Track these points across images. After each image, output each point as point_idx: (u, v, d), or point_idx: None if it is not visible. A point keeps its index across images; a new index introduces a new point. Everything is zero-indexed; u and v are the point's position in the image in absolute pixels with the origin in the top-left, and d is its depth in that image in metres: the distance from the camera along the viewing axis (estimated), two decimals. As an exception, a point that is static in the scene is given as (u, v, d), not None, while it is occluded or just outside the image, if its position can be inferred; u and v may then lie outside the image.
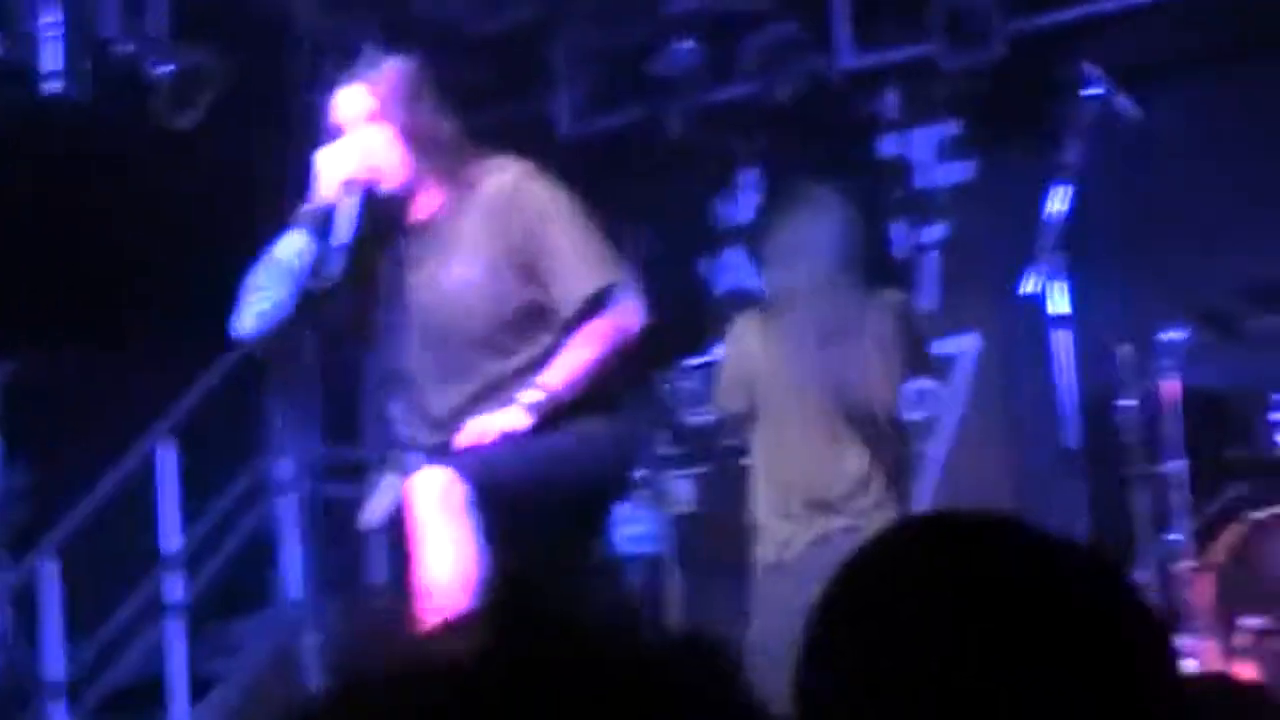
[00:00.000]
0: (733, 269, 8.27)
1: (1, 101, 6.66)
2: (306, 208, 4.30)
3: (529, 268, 4.24)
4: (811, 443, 5.44)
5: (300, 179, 4.35)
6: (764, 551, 5.52)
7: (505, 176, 4.30)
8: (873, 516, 5.34)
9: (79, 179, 7.11)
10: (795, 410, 5.45)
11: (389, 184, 4.29)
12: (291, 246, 4.29)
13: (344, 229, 4.23)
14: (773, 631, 5.13)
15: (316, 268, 4.26)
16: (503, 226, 4.25)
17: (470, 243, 4.27)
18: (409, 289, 4.34)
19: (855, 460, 5.42)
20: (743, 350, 5.59)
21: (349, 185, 4.25)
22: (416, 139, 4.27)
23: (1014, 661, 1.28)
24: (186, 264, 7.38)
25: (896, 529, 1.43)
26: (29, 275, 7.13)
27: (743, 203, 8.36)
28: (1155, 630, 1.34)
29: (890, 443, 5.48)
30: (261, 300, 4.29)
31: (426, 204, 4.33)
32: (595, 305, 4.23)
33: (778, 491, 5.49)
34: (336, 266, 4.23)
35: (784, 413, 5.48)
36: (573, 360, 4.23)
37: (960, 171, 8.04)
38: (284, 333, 4.41)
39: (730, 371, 5.63)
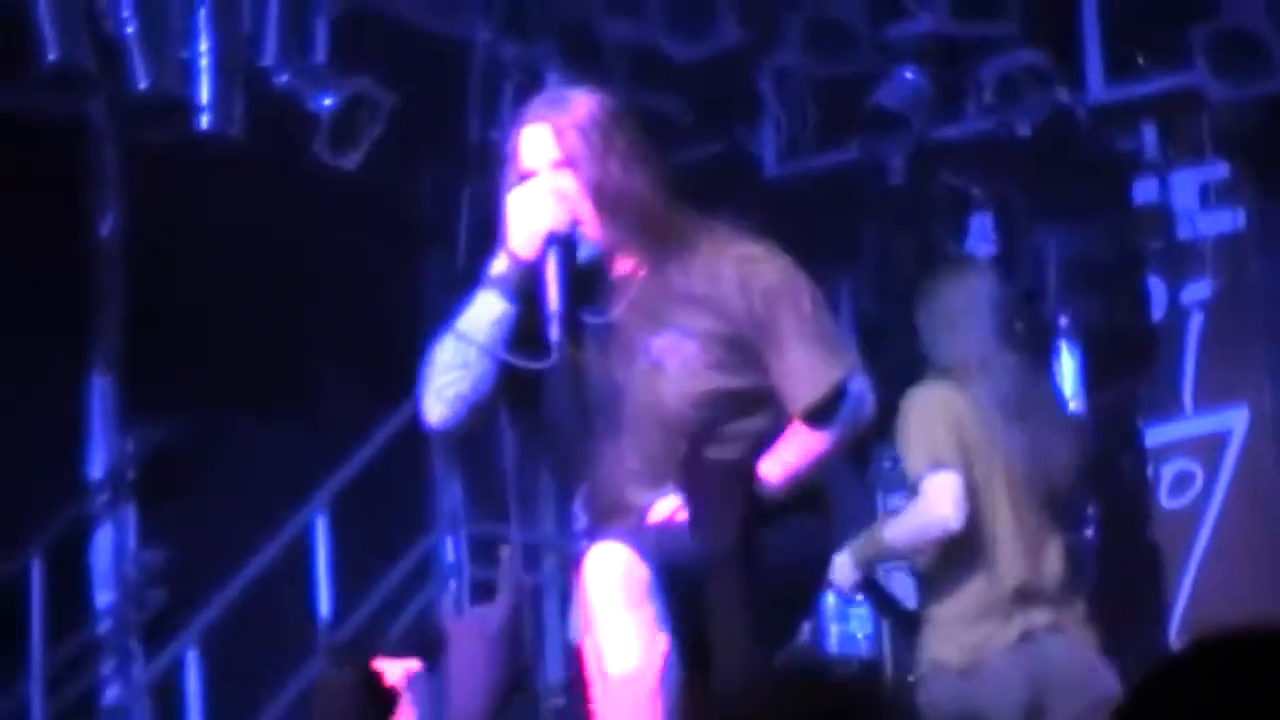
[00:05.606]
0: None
1: (150, 137, 6.73)
2: (500, 267, 3.99)
3: (752, 354, 4.06)
4: (1023, 525, 5.43)
5: (476, 227, 3.91)
6: (944, 652, 5.44)
7: (728, 250, 4.09)
8: (1068, 612, 5.42)
9: (230, 226, 7.14)
10: (1005, 489, 5.44)
11: (587, 236, 4.04)
12: (485, 315, 3.97)
13: (554, 292, 3.88)
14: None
15: (519, 340, 3.94)
16: (724, 306, 4.05)
17: (682, 317, 4.07)
18: (595, 362, 4.10)
19: (1056, 548, 5.47)
20: (957, 417, 5.46)
21: (551, 239, 3.94)
22: (604, 197, 4.00)
23: None
24: (342, 320, 7.62)
25: (1193, 650, 1.67)
26: (170, 333, 7.17)
27: (976, 253, 8.43)
28: None
29: (1068, 530, 5.61)
30: (454, 383, 4.00)
31: (621, 266, 4.10)
32: (827, 401, 4.09)
33: (980, 582, 5.44)
34: (550, 338, 3.88)
35: (993, 491, 5.45)
36: (796, 455, 4.08)
37: (1229, 220, 7.97)
38: (484, 419, 4.08)
39: (947, 439, 5.48)
